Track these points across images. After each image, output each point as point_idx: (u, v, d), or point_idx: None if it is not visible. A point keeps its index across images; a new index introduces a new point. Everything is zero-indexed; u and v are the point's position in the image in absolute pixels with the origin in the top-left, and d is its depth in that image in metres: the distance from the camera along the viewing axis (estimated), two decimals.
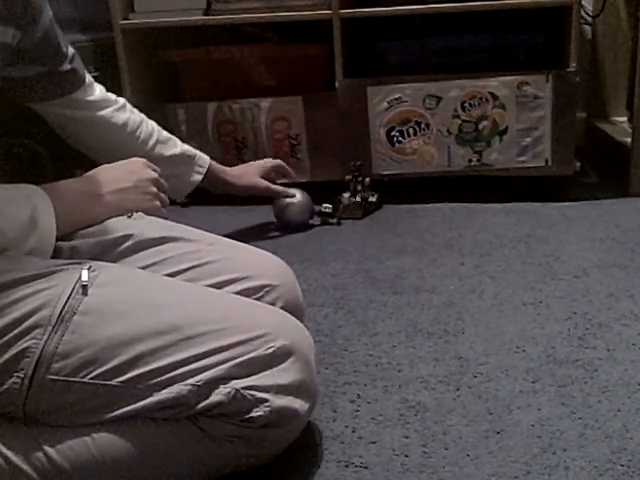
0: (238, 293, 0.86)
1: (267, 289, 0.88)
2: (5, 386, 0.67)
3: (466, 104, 1.69)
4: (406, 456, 0.80)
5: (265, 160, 1.61)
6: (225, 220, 1.68)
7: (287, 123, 1.76)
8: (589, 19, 2.06)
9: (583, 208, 1.65)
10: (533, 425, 0.84)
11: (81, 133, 1.14)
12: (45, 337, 0.68)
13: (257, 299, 0.87)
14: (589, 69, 2.11)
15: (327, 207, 1.63)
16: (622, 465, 0.77)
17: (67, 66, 1.03)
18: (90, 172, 0.91)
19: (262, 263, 0.93)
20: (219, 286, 0.86)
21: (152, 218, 0.93)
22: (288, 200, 1.60)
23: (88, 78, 1.10)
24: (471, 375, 0.96)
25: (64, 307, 0.69)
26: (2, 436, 0.68)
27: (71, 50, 1.05)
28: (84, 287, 0.71)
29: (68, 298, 0.70)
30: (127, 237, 0.86)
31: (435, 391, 0.93)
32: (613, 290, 1.20)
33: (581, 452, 0.79)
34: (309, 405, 0.76)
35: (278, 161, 1.62)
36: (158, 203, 0.96)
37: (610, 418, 0.85)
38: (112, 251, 0.85)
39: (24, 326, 0.68)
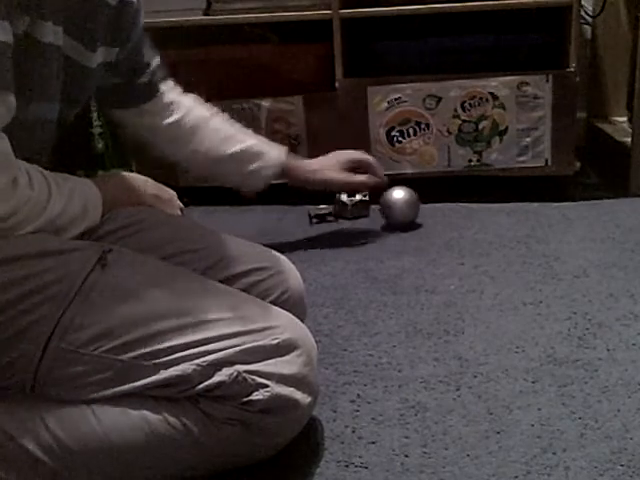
0: (241, 273, 0.90)
1: (270, 272, 0.93)
2: (20, 352, 0.69)
3: (466, 104, 1.69)
4: (406, 456, 0.80)
5: (351, 152, 1.48)
6: (225, 220, 1.68)
7: (287, 123, 1.76)
8: (589, 19, 2.06)
9: (583, 208, 1.65)
10: (533, 425, 0.84)
11: (148, 139, 1.24)
12: (63, 308, 0.70)
13: (259, 281, 0.91)
14: (589, 69, 2.11)
15: (324, 208, 1.63)
16: (622, 465, 0.77)
17: (144, 79, 1.11)
18: (137, 175, 1.00)
19: (266, 252, 0.98)
20: (222, 268, 0.89)
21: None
22: (392, 199, 1.54)
23: (162, 88, 1.17)
24: (471, 375, 0.96)
25: (84, 282, 0.72)
26: (9, 417, 0.69)
27: (155, 62, 1.13)
28: (104, 266, 0.74)
29: (88, 274, 0.72)
30: (140, 220, 0.91)
31: (435, 391, 0.93)
32: (613, 290, 1.20)
33: (581, 452, 0.79)
34: (310, 400, 0.77)
35: (367, 157, 1.48)
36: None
37: (610, 418, 0.85)
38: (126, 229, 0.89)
39: (44, 295, 0.70)
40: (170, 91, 1.19)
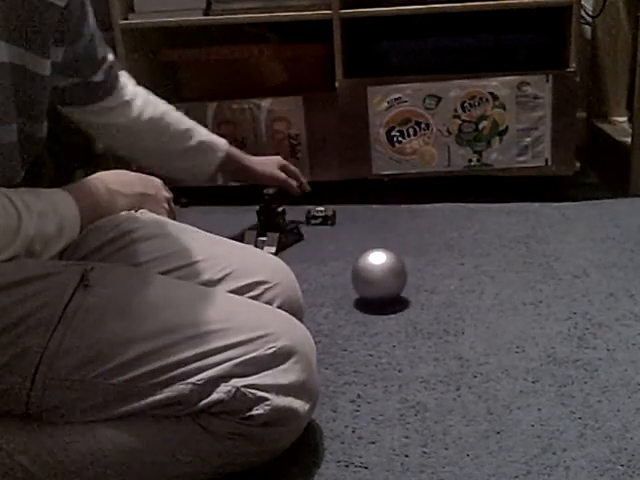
0: (236, 290, 0.86)
1: (266, 286, 0.89)
2: (8, 385, 0.68)
3: (466, 104, 1.69)
4: (406, 456, 0.80)
5: (277, 157, 1.56)
6: (225, 220, 1.68)
7: (287, 123, 1.76)
8: (589, 19, 2.06)
9: (583, 208, 1.65)
10: (533, 425, 0.84)
11: (105, 137, 1.18)
12: (47, 336, 0.68)
13: (255, 297, 0.87)
14: (589, 69, 2.11)
15: (320, 210, 1.63)
16: (622, 465, 0.77)
17: (100, 76, 1.03)
18: (119, 171, 0.94)
19: (261, 261, 0.94)
20: (216, 283, 0.86)
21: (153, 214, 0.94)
22: (369, 264, 1.16)
23: (119, 84, 1.10)
24: (471, 375, 0.96)
25: (67, 306, 0.69)
26: (5, 432, 0.69)
27: (110, 58, 1.05)
28: (86, 287, 0.71)
29: (71, 297, 0.70)
30: (128, 232, 0.87)
31: (435, 391, 0.93)
32: (613, 290, 1.20)
33: (581, 452, 0.79)
34: (309, 406, 0.76)
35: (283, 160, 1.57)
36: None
37: (610, 418, 0.85)
38: (112, 244, 0.86)
39: (27, 325, 0.68)
40: (125, 87, 1.13)
